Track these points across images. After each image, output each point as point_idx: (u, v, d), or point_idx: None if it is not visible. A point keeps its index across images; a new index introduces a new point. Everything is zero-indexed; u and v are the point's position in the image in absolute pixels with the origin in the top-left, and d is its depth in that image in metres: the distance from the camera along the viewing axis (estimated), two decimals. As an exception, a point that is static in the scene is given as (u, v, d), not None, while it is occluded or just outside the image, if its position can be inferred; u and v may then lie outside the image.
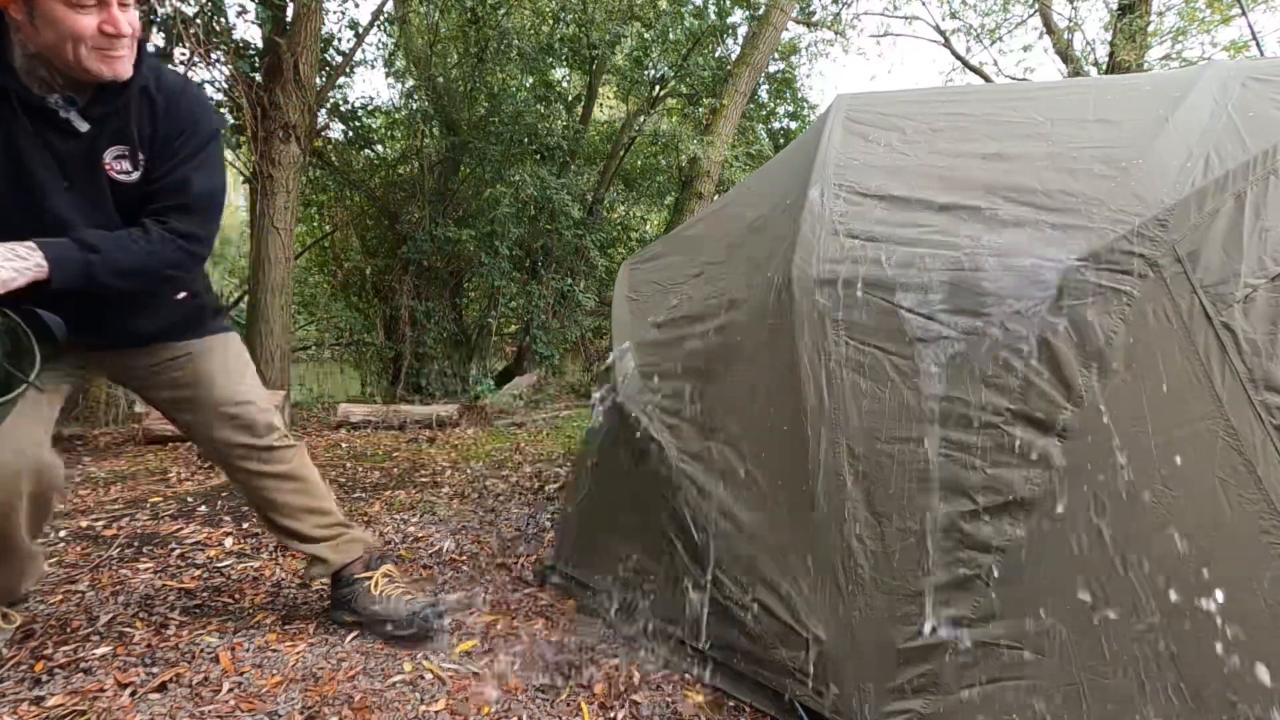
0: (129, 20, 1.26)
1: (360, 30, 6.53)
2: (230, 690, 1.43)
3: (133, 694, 1.41)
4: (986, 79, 10.45)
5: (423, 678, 1.51)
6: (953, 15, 10.49)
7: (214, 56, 5.02)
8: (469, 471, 3.50)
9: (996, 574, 1.19)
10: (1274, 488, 1.08)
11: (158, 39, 4.60)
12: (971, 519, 1.21)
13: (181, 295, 1.55)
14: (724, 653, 1.48)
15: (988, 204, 1.37)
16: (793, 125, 9.48)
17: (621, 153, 7.88)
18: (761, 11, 7.69)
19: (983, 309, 1.26)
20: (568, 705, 1.43)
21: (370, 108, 7.34)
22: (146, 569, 2.09)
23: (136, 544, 2.30)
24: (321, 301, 8.08)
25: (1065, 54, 9.84)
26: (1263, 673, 1.04)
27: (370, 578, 1.73)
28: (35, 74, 1.28)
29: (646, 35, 6.81)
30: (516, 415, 5.53)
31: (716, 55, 7.90)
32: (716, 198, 7.27)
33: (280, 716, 1.36)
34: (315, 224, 7.98)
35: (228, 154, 6.25)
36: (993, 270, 1.27)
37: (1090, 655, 1.13)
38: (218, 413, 1.59)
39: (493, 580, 2.07)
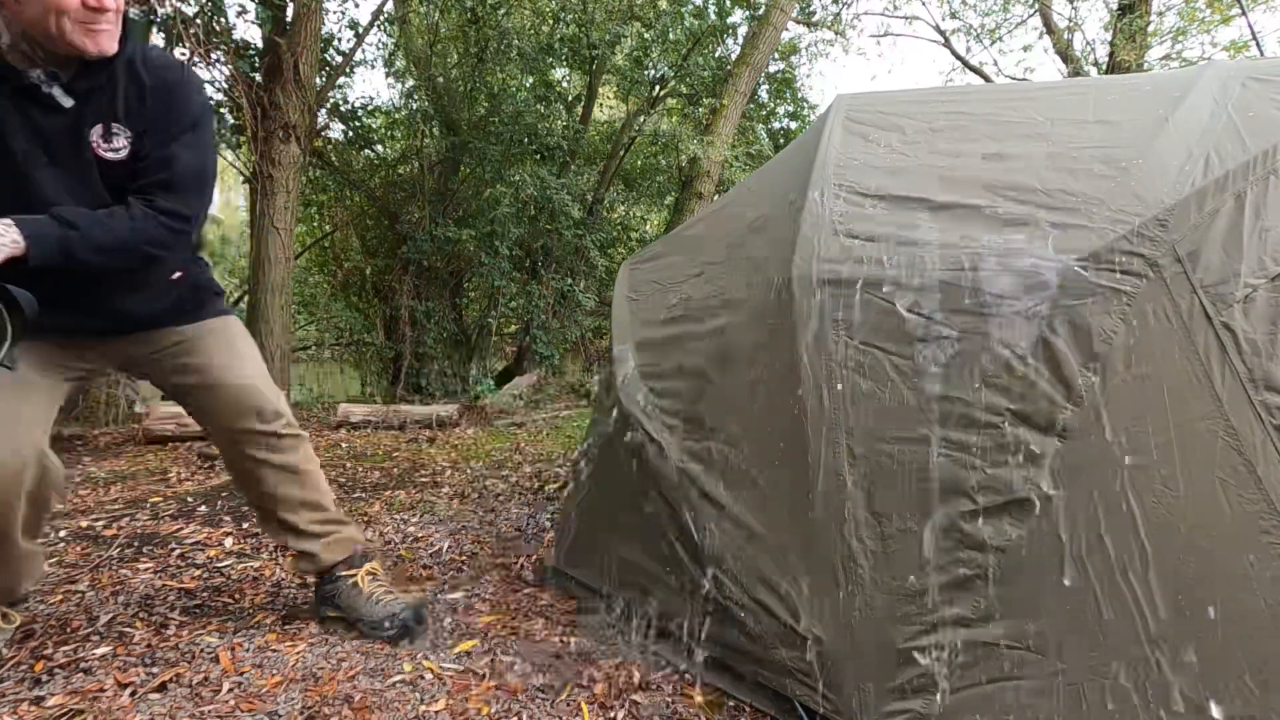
0: None
1: (360, 30, 6.53)
2: (230, 690, 1.43)
3: (133, 694, 1.41)
4: (986, 79, 10.45)
5: (423, 678, 1.51)
6: (953, 15, 10.50)
7: (214, 56, 5.02)
8: (469, 471, 3.50)
9: (996, 574, 1.19)
10: (1274, 488, 1.08)
11: (158, 39, 4.60)
12: (971, 519, 1.21)
13: (176, 275, 1.54)
14: (724, 653, 1.48)
15: (988, 204, 1.36)
16: (793, 125, 9.48)
17: (621, 153, 7.88)
18: (761, 11, 7.69)
19: (983, 309, 1.26)
20: (568, 705, 1.43)
21: (370, 108, 7.34)
22: (146, 569, 2.09)
23: (136, 544, 2.30)
24: (321, 301, 8.08)
25: (1065, 54, 9.84)
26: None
27: (354, 575, 1.73)
28: (17, 49, 1.27)
29: (646, 35, 6.81)
30: (516, 415, 5.53)
31: (716, 55, 7.90)
32: (716, 198, 7.27)
33: (280, 716, 1.36)
34: (315, 224, 7.98)
35: (228, 154, 6.26)
36: (993, 270, 1.27)
37: (1090, 655, 1.13)
38: (222, 396, 1.58)
39: (493, 580, 2.07)
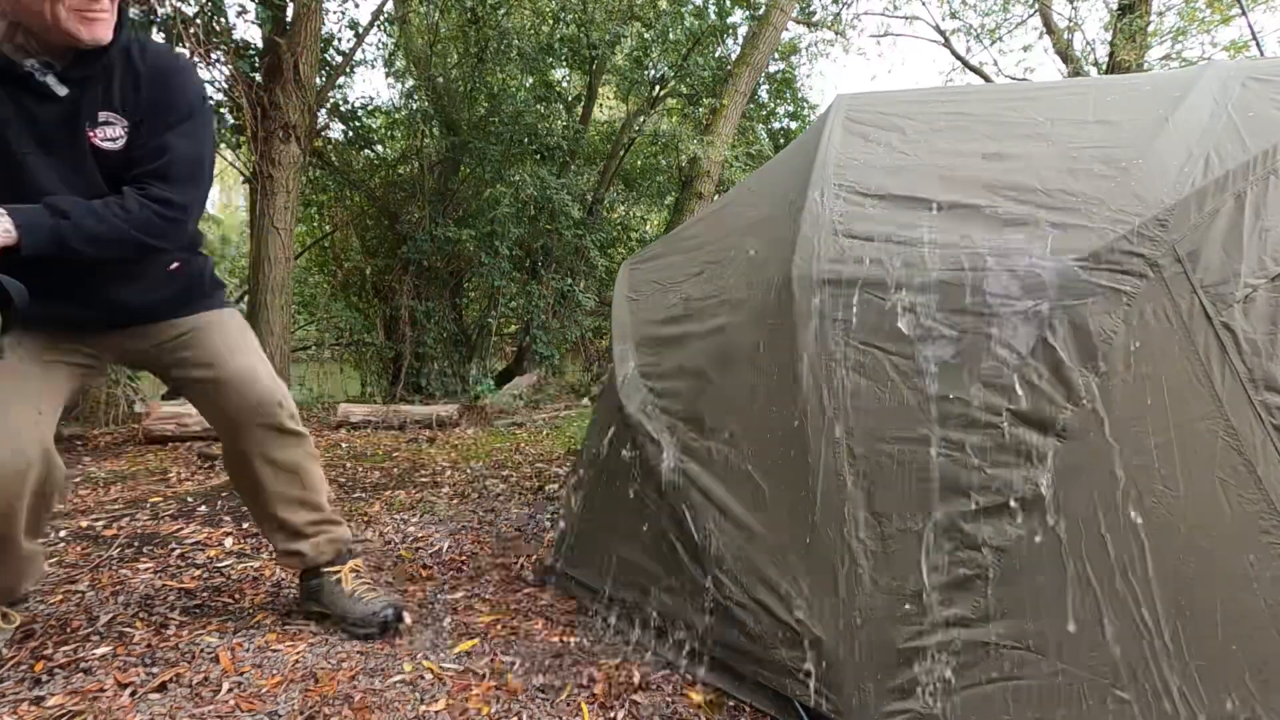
0: None
1: (360, 30, 6.54)
2: (230, 690, 1.43)
3: (133, 694, 1.41)
4: (986, 79, 10.46)
5: (423, 678, 1.51)
6: (953, 15, 10.51)
7: (214, 56, 5.02)
8: (469, 471, 3.50)
9: (996, 574, 1.19)
10: (1274, 488, 1.08)
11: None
12: (971, 519, 1.21)
13: (174, 266, 1.53)
14: (724, 653, 1.48)
15: (988, 204, 1.37)
16: (793, 125, 9.49)
17: (621, 153, 7.89)
18: (761, 11, 7.70)
19: (983, 309, 1.26)
20: (568, 705, 1.43)
21: (370, 108, 7.34)
22: (146, 569, 2.09)
23: (136, 544, 2.30)
24: (321, 301, 8.08)
25: (1065, 54, 9.85)
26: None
27: (338, 572, 1.73)
28: (11, 39, 1.26)
29: (646, 35, 6.82)
30: (516, 415, 5.53)
31: (716, 55, 7.91)
32: (716, 198, 7.27)
33: (280, 716, 1.36)
34: (315, 224, 7.98)
35: (228, 154, 6.26)
36: (993, 270, 1.27)
37: (1090, 655, 1.13)
38: (223, 389, 1.57)
39: (493, 580, 2.07)
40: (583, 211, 7.29)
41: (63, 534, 2.37)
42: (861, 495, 1.30)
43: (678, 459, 1.62)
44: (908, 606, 1.24)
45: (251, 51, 5.55)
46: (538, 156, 6.97)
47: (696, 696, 1.46)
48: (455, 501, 2.93)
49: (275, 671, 1.51)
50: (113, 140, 1.36)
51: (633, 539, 1.72)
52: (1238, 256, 1.17)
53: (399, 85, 7.52)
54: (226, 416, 1.60)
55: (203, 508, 2.72)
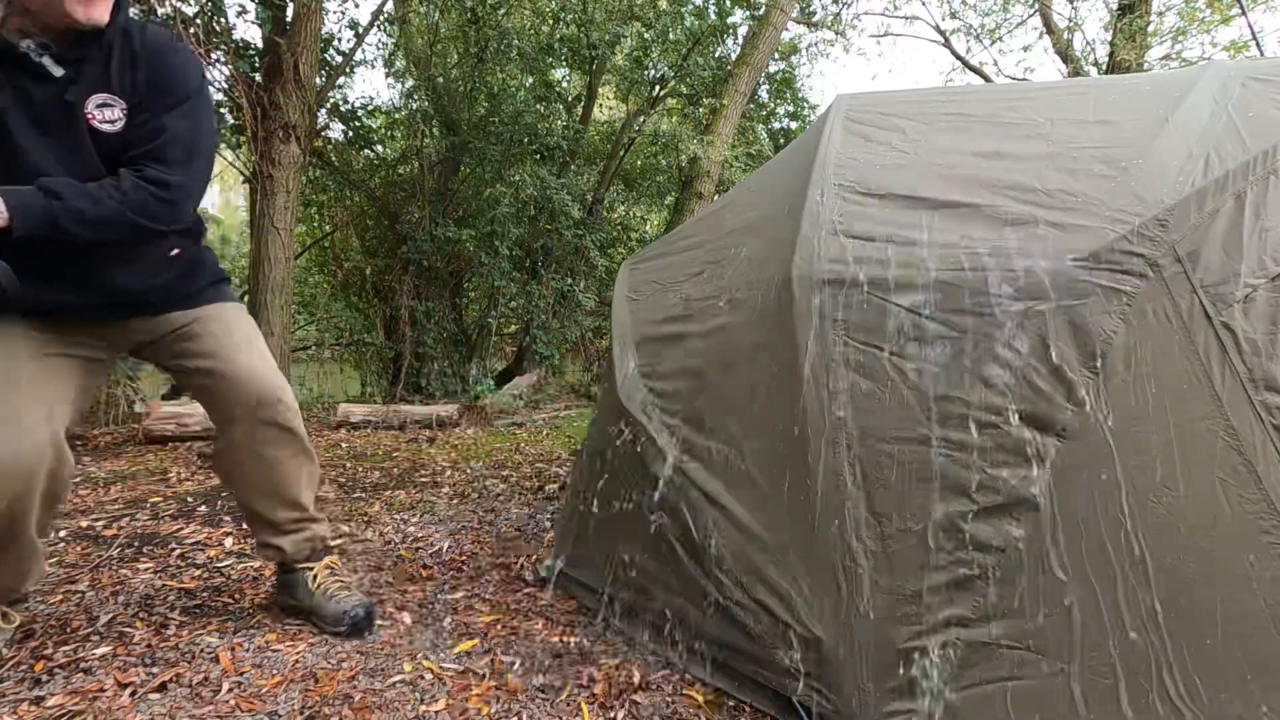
0: None
1: (360, 30, 6.53)
2: (230, 690, 1.43)
3: (133, 694, 1.41)
4: (986, 79, 10.46)
5: (423, 678, 1.51)
6: (953, 15, 10.52)
7: (214, 56, 5.02)
8: (469, 471, 3.50)
9: (996, 574, 1.19)
10: (1274, 488, 1.08)
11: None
12: (971, 519, 1.21)
13: (174, 252, 1.52)
14: (724, 653, 1.48)
15: (988, 203, 1.37)
16: (793, 125, 9.48)
17: (621, 153, 7.88)
18: (761, 11, 7.69)
19: (983, 309, 1.26)
20: (568, 705, 1.43)
21: (370, 108, 7.34)
22: (146, 569, 2.09)
23: (136, 544, 2.30)
24: (321, 301, 8.08)
25: (1065, 54, 9.85)
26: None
27: (312, 569, 1.73)
28: (8, 20, 1.27)
29: (646, 35, 6.82)
30: (516, 415, 5.53)
31: (716, 55, 7.90)
32: (716, 198, 7.27)
33: (280, 716, 1.36)
34: (315, 224, 7.98)
35: (228, 154, 6.26)
36: (992, 270, 1.27)
37: (1090, 655, 1.13)
38: (224, 381, 1.57)
39: (493, 580, 2.07)
40: (583, 211, 7.28)
41: (63, 534, 2.37)
42: (861, 495, 1.30)
43: (678, 459, 1.62)
44: (908, 606, 1.24)
45: (251, 51, 5.55)
46: (538, 156, 6.97)
47: (696, 696, 1.46)
48: (455, 501, 2.93)
49: (275, 671, 1.51)
50: (111, 122, 1.35)
51: (633, 539, 1.72)
52: (1238, 256, 1.17)
53: (399, 85, 7.51)
54: (225, 410, 1.59)
55: (203, 508, 2.72)
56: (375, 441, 4.30)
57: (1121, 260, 1.20)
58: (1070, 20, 10.12)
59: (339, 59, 6.45)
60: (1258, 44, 6.84)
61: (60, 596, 1.87)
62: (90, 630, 1.68)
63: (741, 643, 1.43)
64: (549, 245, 7.11)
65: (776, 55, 8.76)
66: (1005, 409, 1.22)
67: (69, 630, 1.67)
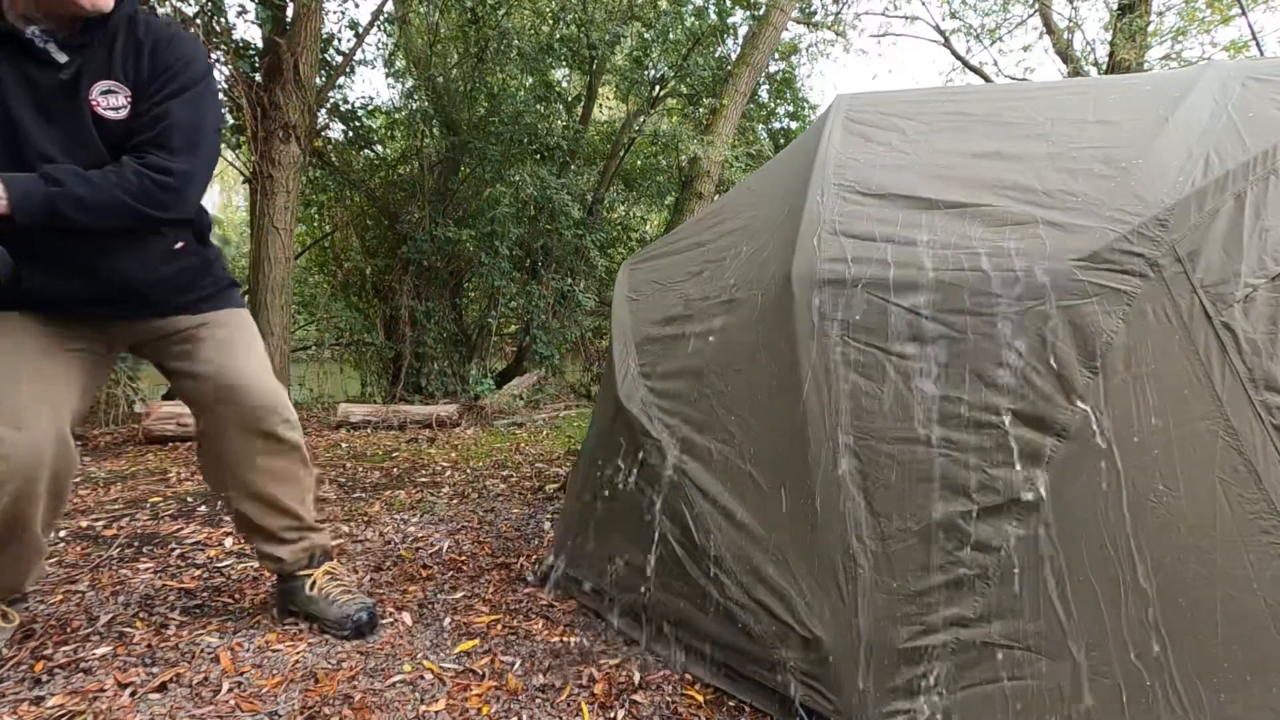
0: None
1: (360, 30, 6.53)
2: (230, 690, 1.43)
3: (133, 694, 1.41)
4: (986, 79, 10.47)
5: (423, 678, 1.51)
6: (953, 15, 10.52)
7: (214, 56, 5.02)
8: (469, 471, 3.51)
9: (996, 574, 1.19)
10: (1274, 488, 1.08)
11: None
12: (971, 519, 1.21)
13: (179, 245, 1.51)
14: (724, 653, 1.48)
15: (988, 204, 1.36)
16: (793, 125, 9.48)
17: (621, 153, 7.88)
18: (761, 11, 7.70)
19: (982, 309, 1.26)
20: (568, 705, 1.43)
21: (370, 108, 7.34)
22: (146, 569, 2.09)
23: (136, 544, 2.30)
24: (321, 301, 8.08)
25: (1065, 54, 9.85)
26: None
27: (311, 575, 1.73)
28: (13, 7, 1.27)
29: (646, 35, 6.82)
30: (516, 415, 5.54)
31: (716, 55, 7.90)
32: (716, 198, 7.27)
33: (280, 716, 1.36)
34: (315, 224, 7.98)
35: (228, 154, 6.26)
36: (992, 270, 1.27)
37: (1090, 655, 1.13)
38: (221, 390, 1.55)
39: (493, 580, 2.07)
40: (583, 211, 7.29)
41: (63, 534, 2.37)
42: (861, 495, 1.30)
43: (678, 459, 1.62)
44: (908, 607, 1.24)
45: (251, 51, 5.55)
46: (538, 156, 6.96)
47: (696, 696, 1.46)
48: (455, 501, 2.93)
49: (275, 671, 1.51)
50: (116, 109, 1.35)
51: (633, 539, 1.72)
52: (1238, 256, 1.17)
53: (399, 85, 7.52)
54: (219, 418, 1.57)
55: (203, 508, 2.72)
56: (375, 441, 4.30)
57: (1121, 260, 1.20)
58: (1070, 20, 10.13)
59: (339, 59, 6.45)
60: (1258, 44, 6.84)
61: (60, 596, 1.87)
62: (90, 630, 1.68)
63: (741, 643, 1.43)
64: (549, 245, 7.11)
65: (776, 55, 8.77)
66: (1005, 409, 1.22)
67: (69, 630, 1.67)
